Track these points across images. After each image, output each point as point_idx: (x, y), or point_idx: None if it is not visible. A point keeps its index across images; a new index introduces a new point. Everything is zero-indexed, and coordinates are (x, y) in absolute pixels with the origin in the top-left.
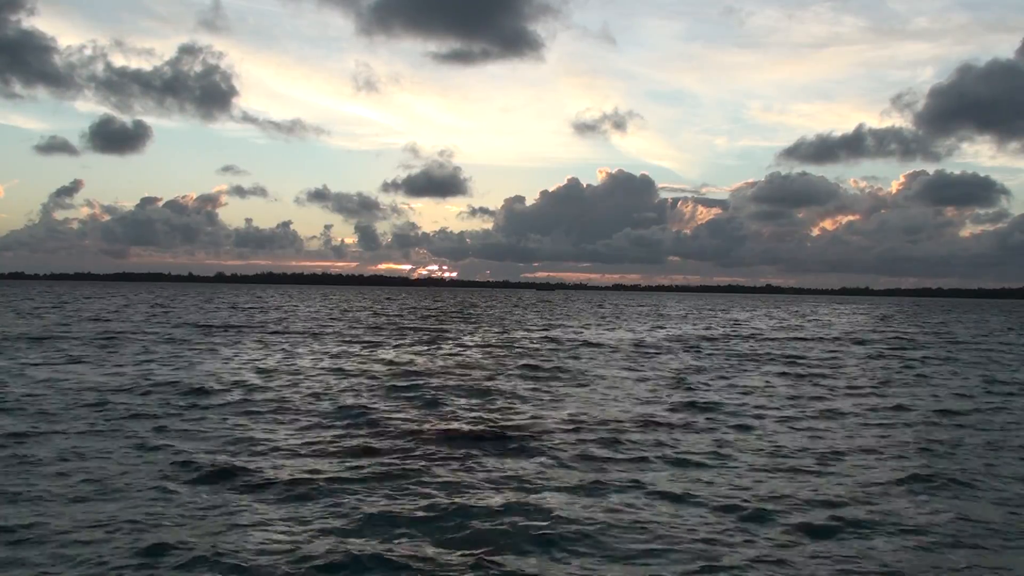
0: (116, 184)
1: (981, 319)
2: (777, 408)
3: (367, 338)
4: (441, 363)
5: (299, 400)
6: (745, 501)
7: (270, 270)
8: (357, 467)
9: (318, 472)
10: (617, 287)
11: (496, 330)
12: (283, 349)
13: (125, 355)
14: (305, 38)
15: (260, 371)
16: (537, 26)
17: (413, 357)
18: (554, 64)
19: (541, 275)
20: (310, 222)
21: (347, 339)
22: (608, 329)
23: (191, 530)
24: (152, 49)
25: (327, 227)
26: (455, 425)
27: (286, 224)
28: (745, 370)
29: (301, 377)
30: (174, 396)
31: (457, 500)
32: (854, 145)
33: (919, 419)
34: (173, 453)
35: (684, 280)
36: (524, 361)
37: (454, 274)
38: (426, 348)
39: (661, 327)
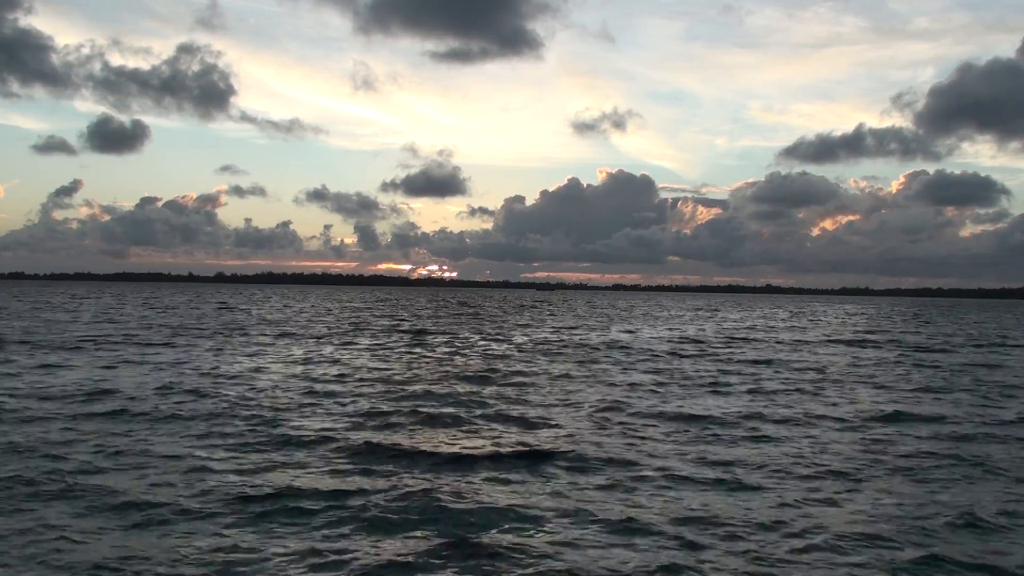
0: (115, 184)
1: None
2: (775, 420)
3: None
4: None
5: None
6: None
7: (270, 270)
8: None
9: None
10: (617, 287)
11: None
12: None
13: None
14: (303, 37)
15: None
16: (536, 25)
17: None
18: (553, 63)
19: (541, 275)
20: (309, 222)
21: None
22: (590, 330)
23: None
24: (150, 48)
25: (327, 227)
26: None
27: (286, 224)
28: (740, 376)
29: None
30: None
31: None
32: (854, 145)
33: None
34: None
35: (684, 280)
36: (479, 366)
37: (454, 274)
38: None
39: (654, 327)
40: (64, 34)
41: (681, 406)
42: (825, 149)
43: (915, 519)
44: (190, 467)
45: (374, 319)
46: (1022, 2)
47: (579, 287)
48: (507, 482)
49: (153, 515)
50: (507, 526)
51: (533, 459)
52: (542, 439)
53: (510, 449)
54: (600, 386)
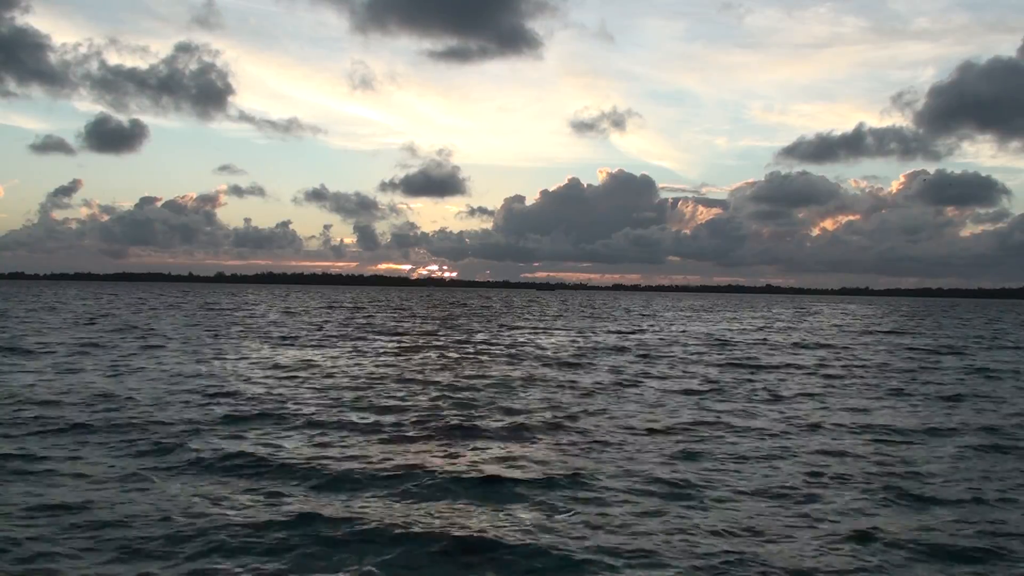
0: (114, 184)
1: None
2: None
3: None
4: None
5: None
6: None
7: (270, 270)
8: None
9: None
10: (617, 287)
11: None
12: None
13: None
14: (300, 36)
15: None
16: (535, 24)
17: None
18: (553, 63)
19: (541, 275)
20: (309, 222)
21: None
22: (566, 331)
23: None
24: (147, 47)
25: (326, 227)
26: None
27: (285, 224)
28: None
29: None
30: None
31: None
32: (854, 144)
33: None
34: None
35: (684, 280)
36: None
37: (454, 274)
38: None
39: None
40: (61, 33)
41: (658, 415)
42: (825, 149)
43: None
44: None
45: (352, 321)
46: (1022, 2)
47: (579, 287)
48: (467, 512)
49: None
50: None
51: (493, 483)
52: (507, 457)
53: (471, 472)
54: (566, 396)
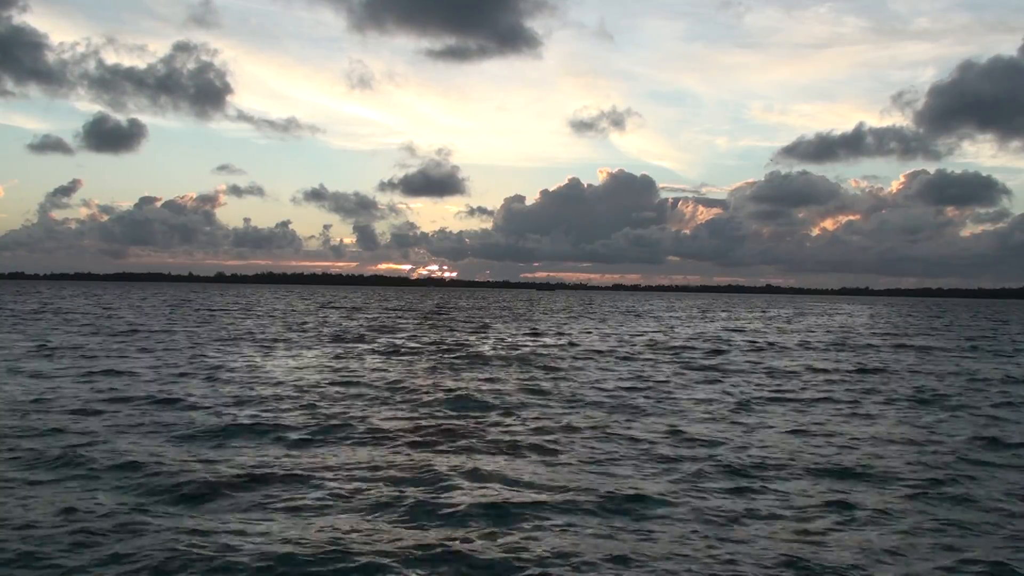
0: (113, 183)
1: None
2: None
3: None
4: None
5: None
6: None
7: (270, 270)
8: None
9: None
10: (617, 287)
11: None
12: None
13: None
14: (298, 36)
15: None
16: (534, 23)
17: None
18: (552, 62)
19: (541, 275)
20: (308, 222)
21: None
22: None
23: None
24: (145, 46)
25: (326, 227)
26: None
27: (285, 224)
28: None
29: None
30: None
31: None
32: (854, 144)
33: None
34: None
35: (684, 280)
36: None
37: (454, 274)
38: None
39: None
40: (59, 32)
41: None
42: (825, 148)
43: None
44: None
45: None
46: (1022, 2)
47: (579, 287)
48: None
49: None
50: None
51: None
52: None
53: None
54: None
